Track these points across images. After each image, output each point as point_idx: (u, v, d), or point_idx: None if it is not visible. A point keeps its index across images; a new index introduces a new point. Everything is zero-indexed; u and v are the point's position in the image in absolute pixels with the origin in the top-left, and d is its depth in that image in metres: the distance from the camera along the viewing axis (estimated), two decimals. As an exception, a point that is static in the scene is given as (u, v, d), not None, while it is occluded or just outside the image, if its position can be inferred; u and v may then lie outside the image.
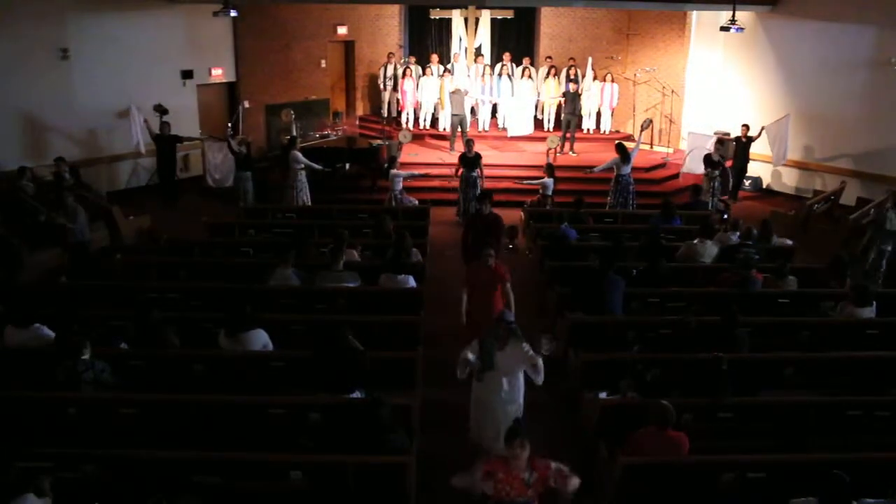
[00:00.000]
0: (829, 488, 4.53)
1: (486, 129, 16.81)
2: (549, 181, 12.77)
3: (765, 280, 8.57)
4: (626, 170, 12.56)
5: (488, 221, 8.87)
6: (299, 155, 12.65)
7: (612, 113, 16.87)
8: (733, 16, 13.20)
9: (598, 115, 16.91)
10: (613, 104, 16.61)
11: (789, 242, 10.46)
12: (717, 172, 12.87)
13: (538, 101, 16.81)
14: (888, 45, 13.35)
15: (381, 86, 17.39)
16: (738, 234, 9.72)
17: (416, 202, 12.83)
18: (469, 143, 12.91)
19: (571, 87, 15.67)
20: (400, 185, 12.74)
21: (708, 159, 12.95)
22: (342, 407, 5.90)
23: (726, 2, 13.27)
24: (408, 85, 16.44)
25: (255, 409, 5.95)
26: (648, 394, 6.24)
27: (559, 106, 16.26)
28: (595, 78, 16.40)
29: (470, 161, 12.73)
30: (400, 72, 16.82)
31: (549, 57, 17.23)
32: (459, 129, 15.37)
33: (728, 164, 13.77)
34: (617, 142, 13.51)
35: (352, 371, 6.15)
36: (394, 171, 12.69)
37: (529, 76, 16.44)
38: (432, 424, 6.61)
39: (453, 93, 15.37)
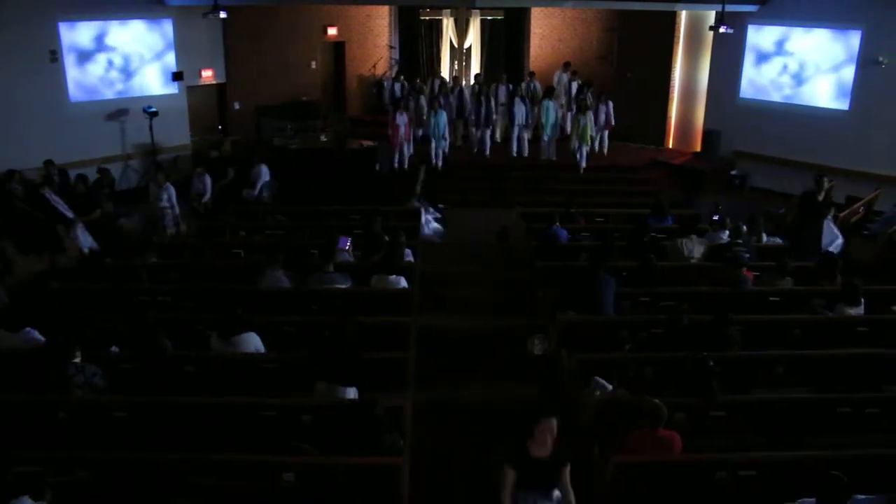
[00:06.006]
0: (826, 489, 4.54)
1: (488, 153, 15.02)
2: None
3: (756, 279, 8.60)
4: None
5: None
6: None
7: (609, 133, 15.39)
8: (722, 16, 13.25)
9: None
10: (612, 123, 15.17)
11: (780, 241, 10.50)
12: None
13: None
14: (876, 44, 13.44)
15: (387, 99, 16.72)
16: (727, 232, 9.74)
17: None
18: (534, 339, 7.83)
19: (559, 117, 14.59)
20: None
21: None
22: (337, 407, 5.89)
23: (715, 1, 13.32)
24: (400, 119, 14.03)
25: (248, 410, 5.93)
26: (638, 391, 6.26)
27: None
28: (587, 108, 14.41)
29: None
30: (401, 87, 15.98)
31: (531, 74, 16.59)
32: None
33: None
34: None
35: (351, 364, 6.13)
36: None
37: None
38: (423, 426, 6.59)
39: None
